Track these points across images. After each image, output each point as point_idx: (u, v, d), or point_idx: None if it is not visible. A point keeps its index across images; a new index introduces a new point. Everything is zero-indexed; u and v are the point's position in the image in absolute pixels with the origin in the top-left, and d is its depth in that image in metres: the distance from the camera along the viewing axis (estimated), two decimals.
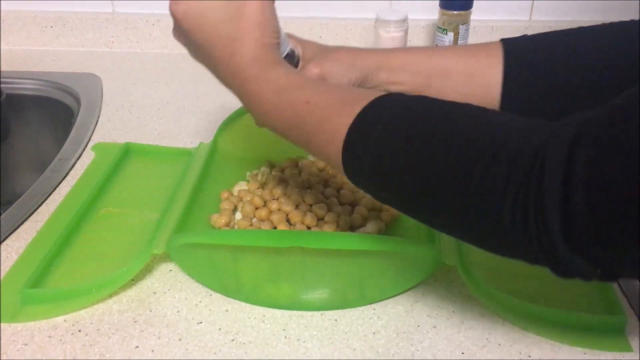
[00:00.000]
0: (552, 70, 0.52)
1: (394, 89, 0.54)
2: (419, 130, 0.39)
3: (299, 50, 0.54)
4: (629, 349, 0.49)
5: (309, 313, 0.52)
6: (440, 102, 0.41)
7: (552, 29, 1.07)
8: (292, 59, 0.53)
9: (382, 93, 0.43)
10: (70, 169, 0.72)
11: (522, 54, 0.53)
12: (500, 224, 0.35)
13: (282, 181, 0.65)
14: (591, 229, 0.31)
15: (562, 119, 0.34)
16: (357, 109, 0.42)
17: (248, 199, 0.63)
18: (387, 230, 0.61)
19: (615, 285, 0.54)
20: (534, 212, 0.33)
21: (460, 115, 0.39)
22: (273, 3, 0.49)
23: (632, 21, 0.54)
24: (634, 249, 0.31)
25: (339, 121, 0.43)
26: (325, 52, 0.56)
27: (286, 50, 0.53)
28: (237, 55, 0.48)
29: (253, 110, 0.50)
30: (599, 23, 0.55)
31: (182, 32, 0.50)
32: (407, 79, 0.55)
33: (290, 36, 0.55)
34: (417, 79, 0.55)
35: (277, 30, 0.50)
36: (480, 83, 0.54)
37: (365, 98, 0.43)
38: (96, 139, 0.79)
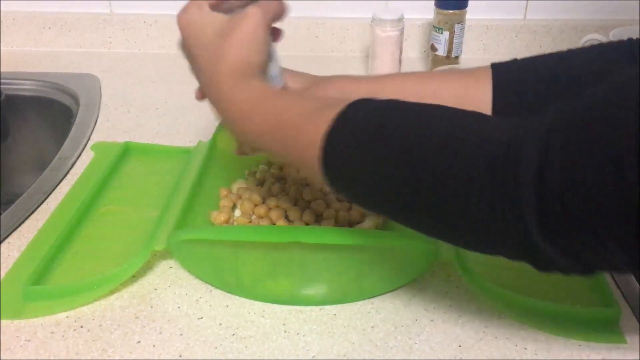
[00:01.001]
0: (541, 94, 0.53)
1: None
2: (392, 134, 0.40)
3: (291, 88, 0.56)
4: (623, 341, 0.50)
5: (308, 308, 0.53)
6: (412, 104, 0.42)
7: (547, 28, 1.08)
8: None
9: (359, 98, 0.44)
10: (70, 168, 0.73)
11: (510, 78, 0.54)
12: (477, 219, 0.35)
13: (281, 178, 0.66)
14: (566, 219, 0.32)
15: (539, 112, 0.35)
16: (333, 114, 0.42)
17: (247, 196, 0.63)
18: (385, 226, 0.62)
19: (609, 278, 0.55)
20: (510, 203, 0.33)
21: (433, 115, 0.40)
22: (268, 28, 0.50)
23: (621, 42, 0.54)
24: (609, 239, 0.31)
25: (314, 129, 0.43)
26: (324, 81, 0.58)
27: (280, 84, 0.55)
28: (217, 67, 0.49)
29: (229, 121, 0.51)
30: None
31: (183, 42, 0.52)
32: None
33: (285, 70, 0.56)
34: None
35: (264, 53, 0.50)
36: (470, 106, 0.55)
37: (339, 104, 0.43)
38: (95, 138, 0.80)
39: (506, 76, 0.55)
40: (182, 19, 0.51)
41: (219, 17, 0.50)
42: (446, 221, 0.38)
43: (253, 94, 0.48)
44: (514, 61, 0.56)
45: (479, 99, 0.55)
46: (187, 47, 0.52)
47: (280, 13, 0.51)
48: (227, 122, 0.52)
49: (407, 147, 0.38)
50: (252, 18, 0.49)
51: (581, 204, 0.31)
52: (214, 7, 0.51)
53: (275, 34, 0.54)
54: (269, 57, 0.52)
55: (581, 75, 0.53)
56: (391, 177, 0.39)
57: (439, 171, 0.36)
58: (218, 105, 0.51)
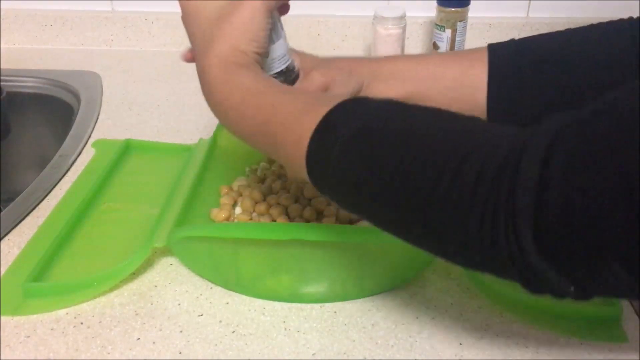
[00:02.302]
0: (538, 73, 0.53)
1: (386, 96, 0.54)
2: (382, 138, 0.37)
3: (298, 65, 0.55)
4: (624, 339, 0.50)
5: (309, 305, 0.53)
6: (405, 106, 0.40)
7: (549, 26, 1.08)
8: (292, 73, 0.54)
9: (348, 98, 0.42)
10: (71, 166, 0.73)
11: (507, 58, 0.54)
12: (468, 236, 0.33)
13: (281, 176, 0.66)
14: (565, 237, 0.29)
15: (538, 120, 0.32)
16: (322, 113, 0.40)
17: (247, 193, 0.63)
18: None
19: None
20: (505, 219, 0.31)
21: (425, 121, 0.38)
22: (267, 14, 0.48)
23: (621, 20, 0.54)
24: (614, 260, 0.29)
25: (303, 126, 0.41)
26: (327, 61, 0.56)
27: (287, 64, 0.53)
28: (209, 53, 0.47)
29: (216, 112, 0.49)
30: (595, 21, 0.55)
31: (183, 18, 0.50)
32: (397, 86, 0.55)
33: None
34: (406, 86, 0.55)
35: (260, 41, 0.48)
36: (467, 87, 0.54)
37: (330, 102, 0.41)
38: (96, 136, 0.80)
39: (502, 55, 0.54)
40: None
41: (215, 2, 0.48)
42: (433, 233, 0.35)
43: (243, 87, 0.46)
44: (511, 41, 0.55)
45: (475, 79, 0.54)
46: (186, 24, 0.50)
47: None
48: (215, 113, 0.50)
49: (398, 154, 0.36)
50: (251, 4, 0.47)
51: (584, 221, 0.29)
52: None
53: (283, 8, 0.52)
54: (270, 40, 0.50)
55: (579, 54, 0.52)
56: (375, 183, 0.37)
57: (430, 183, 0.34)
58: (207, 96, 0.49)
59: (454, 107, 0.40)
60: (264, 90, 0.46)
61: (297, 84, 0.54)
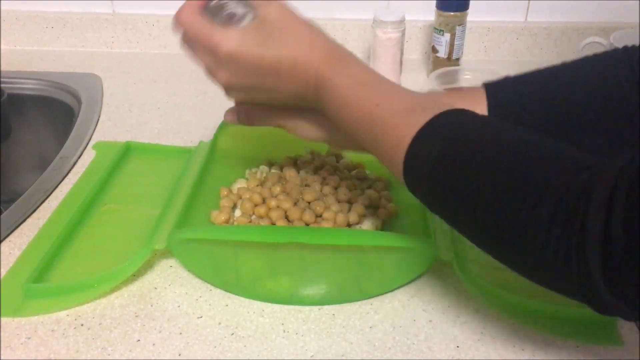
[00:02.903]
0: (534, 112, 0.53)
1: None
2: (471, 161, 0.40)
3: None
4: (620, 342, 0.50)
5: (307, 308, 0.53)
6: (499, 130, 0.42)
7: (547, 30, 1.08)
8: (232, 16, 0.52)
9: (450, 107, 0.44)
10: (72, 168, 0.73)
11: (503, 99, 0.54)
12: (544, 261, 0.36)
13: (281, 179, 0.66)
14: (630, 271, 0.32)
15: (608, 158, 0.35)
16: (422, 120, 0.43)
17: (247, 196, 0.64)
18: (384, 227, 0.62)
19: None
20: (576, 251, 0.33)
21: (513, 149, 0.40)
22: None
23: (615, 50, 0.54)
24: None
25: (403, 131, 0.43)
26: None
27: (248, 19, 0.52)
28: (306, 59, 0.49)
29: (325, 108, 0.51)
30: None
31: (236, 71, 0.51)
32: None
33: None
34: None
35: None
36: None
37: (431, 109, 0.43)
38: (97, 137, 0.80)
39: (499, 95, 0.55)
40: (225, 48, 0.50)
41: (251, 31, 0.50)
42: (509, 250, 0.39)
43: (354, 80, 0.48)
44: (506, 79, 0.56)
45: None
46: (254, 75, 0.51)
47: None
48: (323, 109, 0.51)
49: (485, 175, 0.39)
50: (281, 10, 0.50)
51: None
52: (203, 8, 0.51)
53: None
54: None
55: (575, 88, 0.53)
56: (465, 201, 0.40)
57: (511, 207, 0.37)
58: (317, 95, 0.50)
59: None
60: (370, 84, 0.48)
61: None
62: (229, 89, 0.54)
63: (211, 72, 0.53)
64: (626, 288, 0.33)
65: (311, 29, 0.51)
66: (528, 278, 0.40)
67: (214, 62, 0.51)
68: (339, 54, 0.50)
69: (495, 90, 0.55)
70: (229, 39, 0.49)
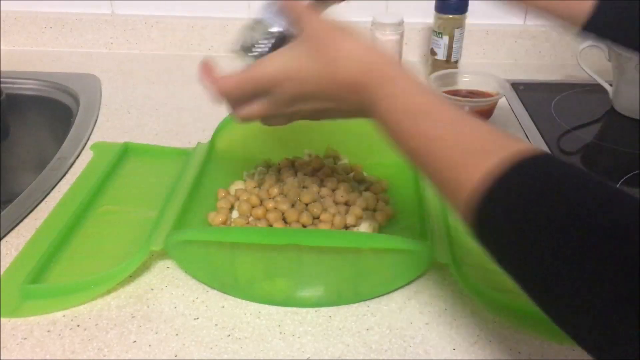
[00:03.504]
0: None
1: None
2: (557, 217, 0.35)
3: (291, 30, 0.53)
4: None
5: (304, 309, 0.53)
6: (578, 183, 0.36)
7: (546, 33, 1.08)
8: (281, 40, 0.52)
9: (521, 145, 0.39)
10: (70, 168, 0.73)
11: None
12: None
13: (279, 180, 0.66)
14: None
15: None
16: (490, 163, 0.38)
17: (245, 197, 0.64)
18: (381, 230, 0.62)
19: None
20: None
21: (600, 203, 0.35)
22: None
23: None
24: None
25: (468, 174, 0.39)
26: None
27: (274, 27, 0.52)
28: (358, 79, 0.47)
29: (386, 130, 0.47)
30: None
31: (297, 93, 0.49)
32: None
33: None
34: None
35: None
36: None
37: (502, 149, 0.38)
38: (95, 138, 0.80)
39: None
40: (281, 74, 0.48)
41: (294, 56, 0.49)
42: (582, 324, 0.35)
43: (409, 103, 0.44)
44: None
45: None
46: (299, 87, 0.49)
47: None
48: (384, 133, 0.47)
49: (570, 240, 0.34)
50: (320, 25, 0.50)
51: None
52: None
53: None
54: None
55: None
56: (540, 267, 0.35)
57: (588, 280, 0.33)
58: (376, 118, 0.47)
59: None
60: (428, 110, 0.43)
61: None
62: (295, 113, 0.52)
63: (272, 110, 0.51)
64: None
65: (357, 44, 0.49)
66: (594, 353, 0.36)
67: (272, 95, 0.49)
68: (388, 72, 0.46)
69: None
70: (274, 63, 0.49)
